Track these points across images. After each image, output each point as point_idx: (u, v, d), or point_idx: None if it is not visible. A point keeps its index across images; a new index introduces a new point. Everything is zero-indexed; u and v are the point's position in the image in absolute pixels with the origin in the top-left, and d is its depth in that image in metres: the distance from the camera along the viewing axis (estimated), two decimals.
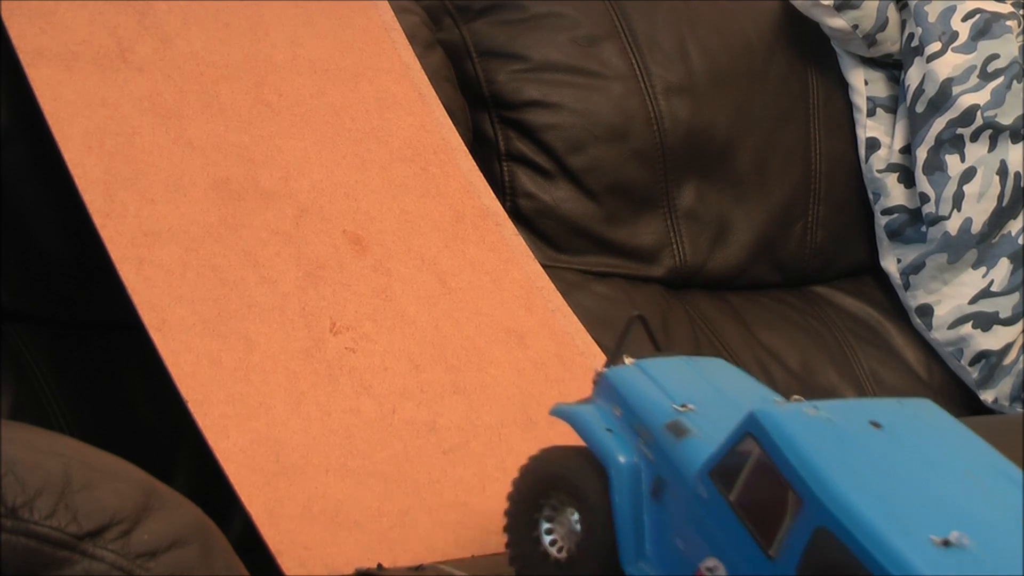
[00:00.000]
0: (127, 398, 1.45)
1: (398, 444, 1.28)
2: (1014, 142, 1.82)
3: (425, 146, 1.50)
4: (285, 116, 1.45)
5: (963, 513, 0.94)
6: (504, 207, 1.74)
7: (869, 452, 0.98)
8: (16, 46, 1.37)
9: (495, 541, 1.25)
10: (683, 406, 1.07)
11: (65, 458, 1.02)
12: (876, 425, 1.01)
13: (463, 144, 1.53)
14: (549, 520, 1.11)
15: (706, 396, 1.10)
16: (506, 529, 1.12)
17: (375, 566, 1.21)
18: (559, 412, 1.12)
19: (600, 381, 1.13)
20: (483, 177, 1.52)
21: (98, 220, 1.31)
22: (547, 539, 1.10)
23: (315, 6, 1.55)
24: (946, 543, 0.91)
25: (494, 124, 1.76)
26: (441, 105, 1.56)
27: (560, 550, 1.10)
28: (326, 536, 1.22)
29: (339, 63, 1.52)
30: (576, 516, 1.09)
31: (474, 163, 1.53)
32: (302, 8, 1.54)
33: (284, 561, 1.19)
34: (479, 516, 1.29)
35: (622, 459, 1.07)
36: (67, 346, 1.46)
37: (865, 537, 0.91)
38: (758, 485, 0.98)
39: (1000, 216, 1.82)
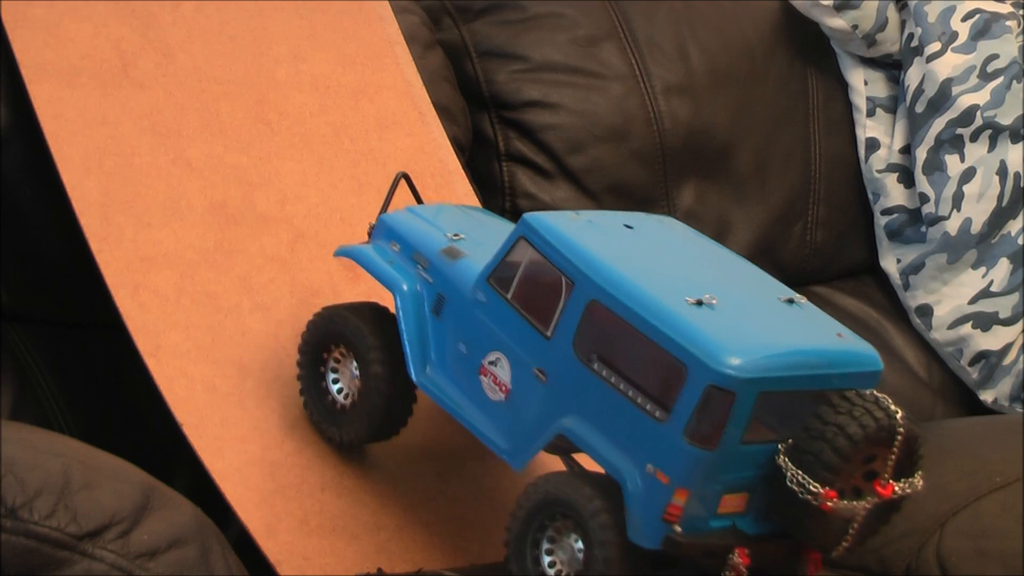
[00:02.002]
0: (127, 398, 1.45)
1: (393, 466, 1.29)
2: (1014, 142, 1.82)
3: (423, 169, 1.50)
4: (285, 136, 1.45)
5: (707, 285, 1.14)
6: (504, 207, 1.74)
7: (626, 244, 1.19)
8: (19, 61, 1.37)
9: (493, 552, 1.26)
10: (455, 235, 1.26)
11: (64, 458, 1.03)
12: (628, 227, 1.21)
13: (460, 167, 1.54)
14: (334, 372, 1.29)
15: (472, 228, 1.29)
16: (301, 392, 1.30)
17: (375, 571, 1.22)
18: (343, 252, 1.30)
19: (377, 226, 1.30)
20: (479, 203, 1.53)
21: (94, 245, 1.31)
22: (334, 388, 1.28)
23: (320, 19, 1.54)
24: (699, 303, 1.11)
25: (494, 124, 1.76)
26: (440, 126, 1.56)
27: (346, 397, 1.27)
28: (324, 547, 1.22)
29: (341, 79, 1.52)
30: (355, 365, 1.26)
31: (470, 187, 1.53)
32: (307, 20, 1.53)
33: (284, 570, 1.20)
34: (476, 528, 1.30)
35: (405, 286, 1.25)
36: (67, 346, 1.46)
37: (632, 301, 1.11)
38: (533, 280, 1.17)
39: (1000, 216, 1.82)
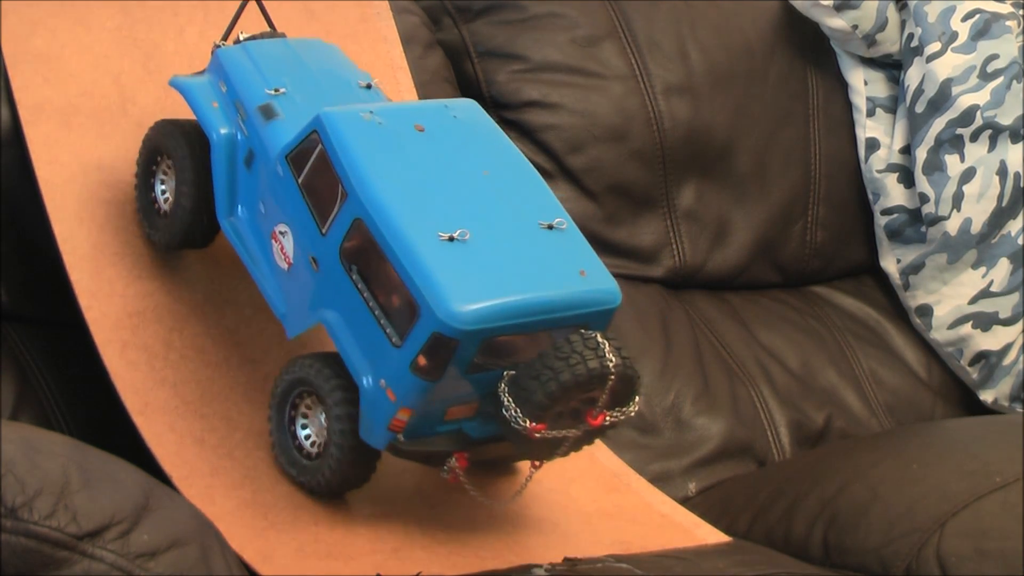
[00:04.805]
0: None
1: (385, 501, 1.29)
2: (1014, 142, 1.82)
3: None
4: None
5: (473, 211, 1.20)
6: None
7: (407, 155, 1.22)
8: (17, 100, 1.36)
9: (490, 567, 1.26)
10: (275, 90, 1.28)
11: (64, 458, 1.03)
12: (420, 128, 1.24)
13: None
14: (162, 184, 1.35)
15: (299, 80, 1.29)
16: (136, 187, 1.36)
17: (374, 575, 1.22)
18: (175, 83, 1.33)
19: (212, 60, 1.32)
20: None
21: (84, 301, 1.31)
22: (160, 197, 1.35)
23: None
24: (451, 239, 1.17)
25: None
26: None
27: (167, 203, 1.34)
28: (322, 567, 1.23)
29: None
30: (175, 177, 1.33)
31: None
32: None
33: None
34: (471, 547, 1.30)
35: (223, 130, 1.29)
36: (67, 346, 1.46)
37: (389, 232, 1.16)
38: (319, 175, 1.21)
39: (1000, 216, 1.82)
